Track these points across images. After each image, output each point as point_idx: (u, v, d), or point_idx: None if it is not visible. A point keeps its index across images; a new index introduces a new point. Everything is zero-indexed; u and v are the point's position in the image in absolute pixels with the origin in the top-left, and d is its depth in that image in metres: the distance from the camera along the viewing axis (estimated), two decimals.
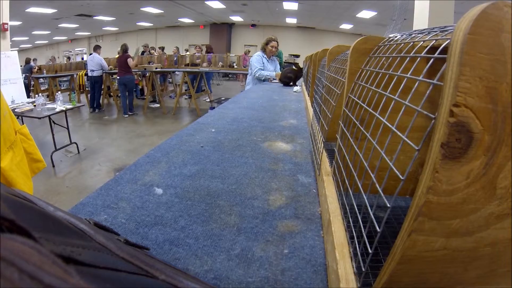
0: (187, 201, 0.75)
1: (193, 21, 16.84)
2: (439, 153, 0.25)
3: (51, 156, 4.19)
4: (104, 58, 8.28)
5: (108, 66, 8.18)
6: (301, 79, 3.43)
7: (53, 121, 4.34)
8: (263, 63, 4.01)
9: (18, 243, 0.14)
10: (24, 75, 7.08)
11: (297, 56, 14.69)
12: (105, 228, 0.34)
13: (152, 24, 17.69)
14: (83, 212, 0.67)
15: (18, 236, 0.15)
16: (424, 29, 0.47)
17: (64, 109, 4.53)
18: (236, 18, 16.30)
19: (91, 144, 5.22)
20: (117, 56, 7.98)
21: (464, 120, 0.24)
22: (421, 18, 4.50)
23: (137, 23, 17.06)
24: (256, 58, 4.02)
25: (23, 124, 1.68)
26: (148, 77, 8.51)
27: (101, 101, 8.17)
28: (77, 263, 0.18)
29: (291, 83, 3.48)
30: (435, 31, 0.41)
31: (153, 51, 10.61)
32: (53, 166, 4.14)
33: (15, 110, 4.03)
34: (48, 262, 0.14)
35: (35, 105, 4.38)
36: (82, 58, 16.49)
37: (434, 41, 0.38)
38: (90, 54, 8.07)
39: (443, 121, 0.25)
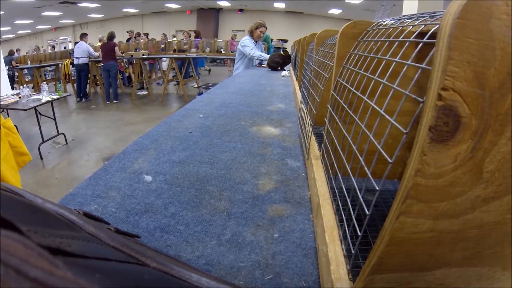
0: (176, 187, 0.74)
1: (180, 7, 16.47)
2: (427, 136, 0.25)
3: (39, 148, 4.12)
4: (90, 45, 8.12)
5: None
6: (289, 64, 3.42)
7: (39, 113, 4.26)
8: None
9: (3, 237, 0.14)
10: (7, 66, 6.91)
11: (285, 41, 14.54)
12: (95, 218, 0.33)
13: (138, 10, 17.22)
14: (73, 203, 0.67)
15: (2, 230, 0.15)
16: (413, 15, 0.46)
17: (50, 99, 4.44)
18: (224, 3, 16.00)
19: (79, 134, 5.15)
20: (99, 43, 7.80)
21: (452, 104, 0.24)
22: (410, 4, 4.49)
23: (122, 10, 16.57)
24: (249, 40, 4.00)
25: (8, 117, 1.65)
26: (135, 64, 8.39)
27: (87, 90, 8.03)
28: (66, 254, 0.18)
29: (279, 68, 3.46)
30: (424, 17, 0.41)
31: (139, 38, 10.37)
32: (41, 158, 4.08)
33: (0, 103, 3.93)
34: (34, 255, 0.14)
35: (20, 97, 4.25)
36: (65, 47, 16.08)
37: (423, 26, 0.38)
38: (76, 42, 7.91)
39: (431, 104, 0.25)
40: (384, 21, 0.54)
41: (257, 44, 4.13)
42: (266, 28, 4.11)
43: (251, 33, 4.03)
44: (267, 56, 3.90)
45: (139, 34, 10.74)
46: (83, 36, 7.74)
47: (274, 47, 8.47)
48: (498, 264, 0.34)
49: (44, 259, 0.14)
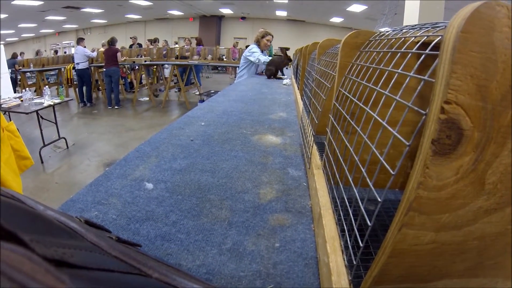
0: (177, 195, 0.74)
1: (183, 14, 16.62)
2: (429, 149, 0.25)
3: (40, 152, 4.11)
4: (92, 51, 8.19)
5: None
6: (290, 72, 3.43)
7: (41, 116, 4.26)
8: None
9: (8, 250, 0.14)
10: (10, 69, 6.96)
11: (287, 49, 14.61)
12: (96, 225, 0.33)
13: (141, 17, 17.37)
14: (74, 209, 0.67)
15: (7, 243, 0.15)
16: (415, 25, 0.47)
17: (52, 103, 4.44)
18: (226, 11, 16.14)
19: (80, 139, 5.15)
20: (102, 48, 7.86)
21: (455, 117, 0.24)
22: (411, 13, 4.51)
23: (125, 16, 16.72)
24: (256, 47, 3.99)
25: (10, 120, 1.65)
26: (138, 70, 8.45)
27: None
28: (69, 266, 0.18)
29: (273, 76, 3.48)
30: (427, 27, 0.41)
31: (155, 44, 10.34)
32: (42, 162, 4.08)
33: (2, 106, 3.94)
34: (41, 270, 0.14)
35: (22, 100, 4.26)
36: (65, 52, 16.21)
37: (426, 37, 0.38)
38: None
39: (434, 117, 0.25)
40: (387, 31, 0.55)
41: (264, 54, 4.14)
42: (273, 36, 4.12)
43: (258, 42, 4.03)
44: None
45: (154, 41, 10.68)
46: (80, 41, 7.79)
47: (275, 55, 8.52)
48: (499, 274, 0.34)
49: (51, 275, 0.14)
